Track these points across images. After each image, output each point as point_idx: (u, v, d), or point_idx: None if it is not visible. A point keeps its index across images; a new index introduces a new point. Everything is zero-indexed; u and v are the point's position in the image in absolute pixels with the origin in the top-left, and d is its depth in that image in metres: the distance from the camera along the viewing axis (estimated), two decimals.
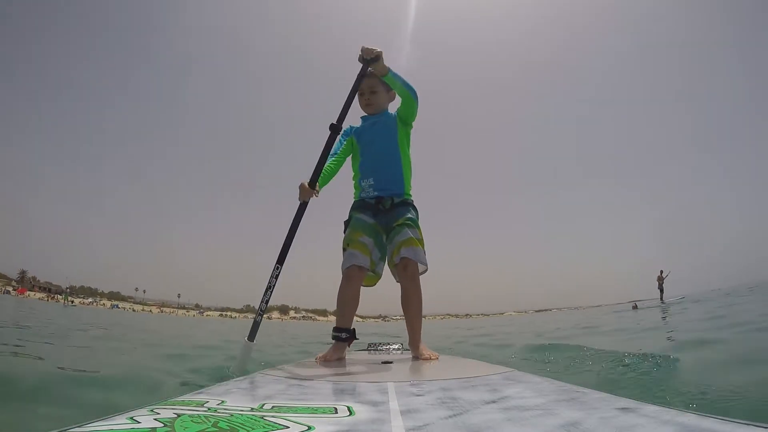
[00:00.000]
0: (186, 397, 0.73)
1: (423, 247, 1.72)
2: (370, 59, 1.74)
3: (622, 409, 0.55)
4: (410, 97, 1.81)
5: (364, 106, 1.91)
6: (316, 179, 1.74)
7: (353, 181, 1.93)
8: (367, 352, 2.16)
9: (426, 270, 1.75)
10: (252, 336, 1.67)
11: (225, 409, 0.61)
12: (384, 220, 1.77)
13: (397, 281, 1.75)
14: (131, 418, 0.53)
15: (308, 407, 0.65)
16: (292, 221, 1.79)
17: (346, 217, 1.85)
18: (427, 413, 0.59)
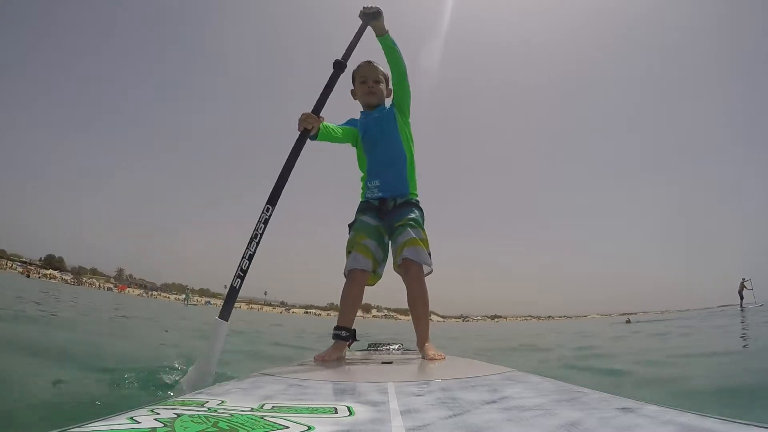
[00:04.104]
0: (186, 397, 0.73)
1: (427, 247, 1.70)
2: (371, 13, 1.74)
3: (622, 409, 0.55)
4: (402, 67, 1.79)
5: (366, 94, 1.88)
6: (320, 110, 1.69)
7: (361, 182, 1.93)
8: (367, 352, 2.16)
9: (431, 271, 1.73)
10: (225, 313, 1.32)
11: (225, 409, 0.61)
12: (387, 221, 1.77)
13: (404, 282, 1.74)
14: (131, 418, 0.53)
15: (308, 407, 0.65)
16: (289, 154, 1.59)
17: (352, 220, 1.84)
18: (427, 413, 0.59)
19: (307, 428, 0.51)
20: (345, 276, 1.69)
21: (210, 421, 0.52)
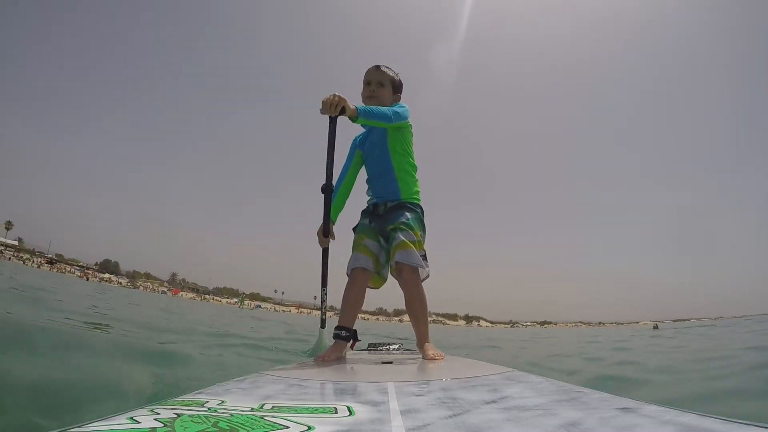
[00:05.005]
0: (186, 397, 0.73)
1: (420, 249, 1.70)
2: (336, 115, 1.56)
3: (622, 409, 0.55)
4: (389, 124, 1.71)
5: (366, 98, 1.84)
6: (328, 228, 1.82)
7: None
8: (367, 352, 2.17)
9: (428, 275, 1.73)
10: (323, 325, 2.15)
11: (225, 409, 0.61)
12: (379, 225, 1.79)
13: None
14: (131, 418, 0.53)
15: (308, 407, 0.65)
16: (321, 266, 1.94)
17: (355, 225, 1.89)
18: (427, 413, 0.59)
19: (307, 428, 0.51)
20: (347, 276, 1.71)
21: (210, 421, 0.53)
